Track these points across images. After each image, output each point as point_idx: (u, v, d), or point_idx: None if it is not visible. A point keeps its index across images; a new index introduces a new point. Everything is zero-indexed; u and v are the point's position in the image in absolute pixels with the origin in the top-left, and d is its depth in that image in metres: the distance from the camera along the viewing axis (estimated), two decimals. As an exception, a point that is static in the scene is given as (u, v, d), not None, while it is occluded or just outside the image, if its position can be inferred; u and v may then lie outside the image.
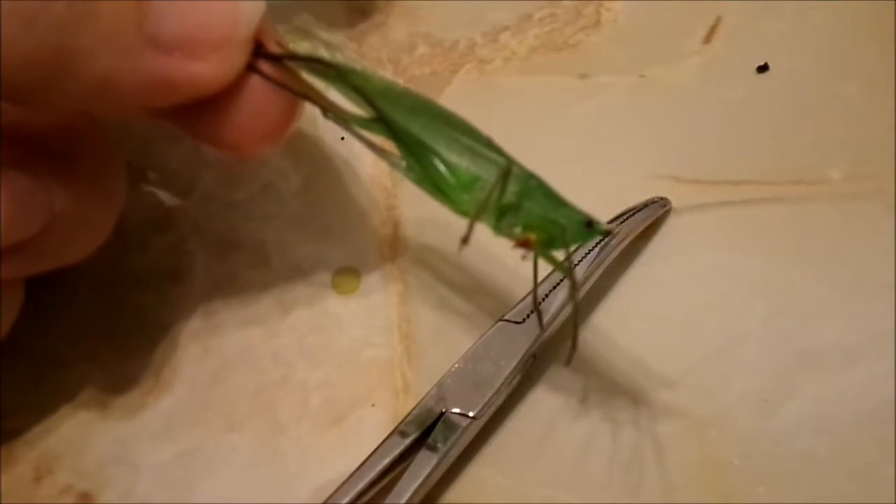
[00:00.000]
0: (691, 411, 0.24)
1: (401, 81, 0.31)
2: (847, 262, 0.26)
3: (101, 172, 0.22)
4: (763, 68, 0.30)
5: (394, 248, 0.27)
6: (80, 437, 0.25)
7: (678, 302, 0.26)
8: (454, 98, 0.30)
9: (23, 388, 0.25)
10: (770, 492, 0.23)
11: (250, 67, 0.20)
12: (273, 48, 0.21)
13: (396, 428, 0.23)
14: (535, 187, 0.20)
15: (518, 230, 0.20)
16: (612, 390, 0.24)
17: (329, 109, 0.21)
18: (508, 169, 0.20)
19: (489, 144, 0.21)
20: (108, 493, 0.24)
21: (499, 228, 0.20)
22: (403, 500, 0.22)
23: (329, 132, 0.29)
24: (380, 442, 0.23)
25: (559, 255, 0.21)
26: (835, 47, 0.30)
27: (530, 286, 0.25)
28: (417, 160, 0.21)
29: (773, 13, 0.31)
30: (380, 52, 0.32)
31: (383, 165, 0.29)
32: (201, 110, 0.20)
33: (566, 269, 0.21)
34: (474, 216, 0.20)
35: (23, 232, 0.20)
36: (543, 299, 0.24)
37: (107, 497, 0.24)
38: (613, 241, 0.25)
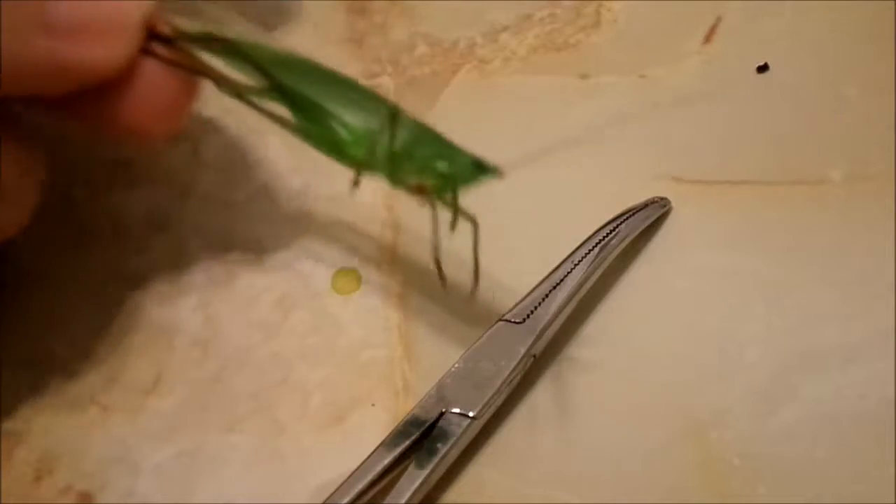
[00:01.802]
0: (691, 411, 0.24)
1: (401, 82, 0.31)
2: (847, 262, 0.26)
3: (18, 138, 0.22)
4: (763, 68, 0.30)
5: (394, 249, 0.27)
6: (80, 437, 0.25)
7: (678, 302, 0.26)
8: (454, 98, 0.30)
9: (23, 389, 0.25)
10: (770, 492, 0.23)
11: (144, 51, 0.21)
12: (164, 30, 0.21)
13: (396, 428, 0.23)
14: (424, 134, 0.21)
15: (412, 179, 0.21)
16: (612, 390, 0.24)
17: (223, 83, 0.22)
18: (396, 114, 0.21)
19: (377, 98, 0.22)
20: (108, 493, 0.24)
21: (394, 179, 0.21)
22: (403, 500, 0.22)
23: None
24: (380, 442, 0.23)
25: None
26: (835, 47, 0.30)
27: (530, 286, 0.25)
28: (313, 122, 0.22)
29: (773, 13, 0.31)
30: (380, 52, 0.32)
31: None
32: (100, 98, 0.21)
33: (462, 212, 0.22)
34: (363, 161, 0.21)
35: None
36: (544, 299, 0.24)
37: (107, 497, 0.24)
38: (613, 241, 0.25)
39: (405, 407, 0.24)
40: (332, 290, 0.27)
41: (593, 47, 0.31)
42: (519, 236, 0.27)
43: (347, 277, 0.27)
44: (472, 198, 0.21)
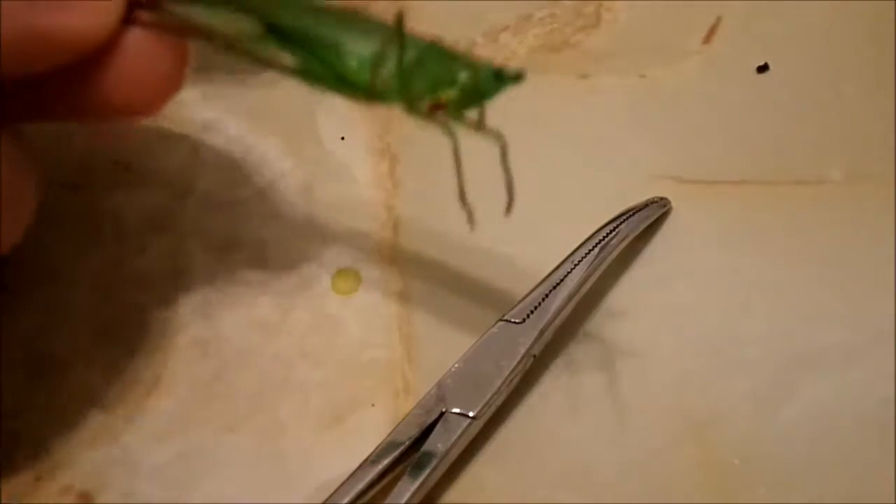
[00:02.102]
0: (691, 411, 0.24)
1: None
2: (847, 262, 0.26)
3: (11, 145, 0.20)
4: (763, 68, 0.30)
5: (394, 249, 0.27)
6: (80, 437, 0.25)
7: (678, 302, 0.26)
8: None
9: (23, 389, 0.25)
10: (770, 492, 0.23)
11: (129, 20, 0.20)
12: None
13: (396, 428, 0.23)
14: (434, 50, 0.20)
15: (427, 98, 0.20)
16: (612, 390, 0.24)
17: (214, 37, 0.21)
18: (400, 30, 0.20)
19: (378, 22, 0.21)
20: (108, 493, 0.24)
21: (408, 101, 0.20)
22: (403, 500, 0.22)
23: (329, 132, 0.29)
24: (380, 442, 0.23)
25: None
26: (835, 47, 0.30)
27: (530, 286, 0.25)
28: (313, 58, 0.20)
29: (773, 13, 0.31)
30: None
31: (384, 166, 0.29)
32: (88, 77, 0.20)
33: (487, 128, 0.20)
34: (371, 87, 0.20)
35: None
36: (544, 299, 0.24)
37: (107, 497, 0.24)
38: (613, 241, 0.25)
39: (405, 407, 0.24)
40: (332, 290, 0.27)
41: (593, 47, 0.31)
42: (519, 236, 0.27)
43: (347, 277, 0.27)
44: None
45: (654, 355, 0.25)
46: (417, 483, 0.22)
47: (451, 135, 0.20)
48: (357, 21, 0.21)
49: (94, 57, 0.19)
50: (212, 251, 0.27)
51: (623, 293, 0.26)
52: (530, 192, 0.27)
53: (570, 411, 0.24)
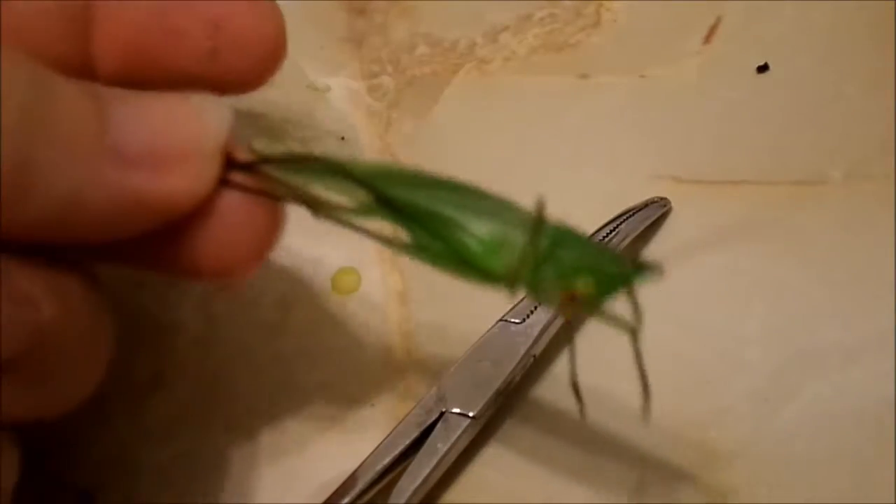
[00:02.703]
0: (691, 411, 0.24)
1: (401, 81, 0.31)
2: (847, 262, 0.26)
3: (91, 288, 0.19)
4: (763, 68, 0.30)
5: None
6: (80, 437, 0.25)
7: (678, 302, 0.26)
8: (454, 98, 0.30)
9: (23, 389, 0.25)
10: (770, 492, 0.23)
11: (223, 182, 0.18)
12: (243, 156, 0.19)
13: (396, 428, 0.23)
14: (566, 235, 0.18)
15: (559, 288, 0.18)
16: (612, 390, 0.24)
17: (319, 205, 0.19)
18: (540, 217, 0.18)
19: (503, 201, 0.19)
20: (108, 493, 0.24)
21: (537, 288, 0.18)
22: (403, 500, 0.22)
23: (330, 136, 0.29)
24: (380, 442, 0.23)
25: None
26: (835, 47, 0.30)
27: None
28: (431, 235, 0.18)
29: (773, 13, 0.31)
30: (380, 52, 0.32)
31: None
32: (179, 238, 0.18)
33: (627, 324, 0.19)
34: (501, 273, 0.18)
35: (9, 343, 0.17)
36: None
37: (107, 497, 0.24)
38: (614, 241, 0.25)
39: (405, 407, 0.24)
40: (333, 290, 0.27)
41: (593, 47, 0.31)
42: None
43: (347, 277, 0.27)
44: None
45: (654, 355, 0.25)
46: (417, 483, 0.22)
47: (573, 320, 0.19)
48: (478, 197, 0.19)
49: (186, 219, 0.18)
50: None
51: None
52: (530, 191, 0.27)
53: (569, 411, 0.24)
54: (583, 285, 0.18)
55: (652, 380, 0.25)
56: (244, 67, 0.20)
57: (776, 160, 0.28)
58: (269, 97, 0.30)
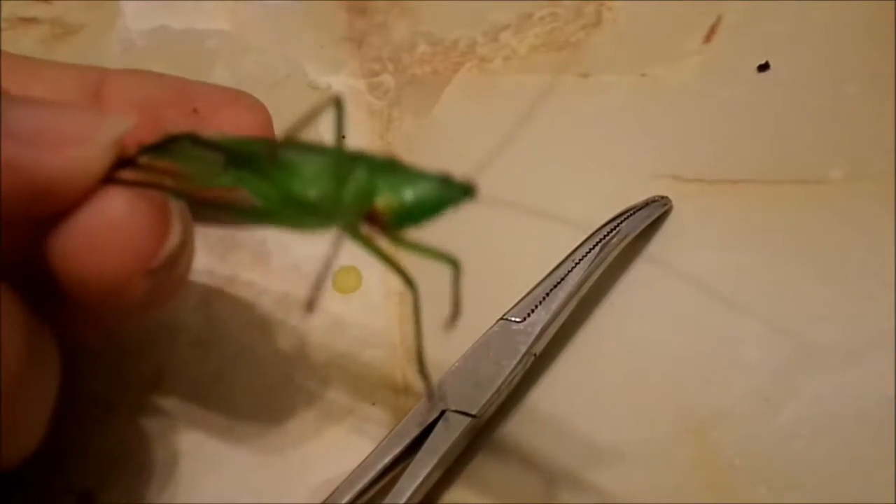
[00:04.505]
0: (691, 411, 0.24)
1: (401, 80, 0.31)
2: (847, 262, 0.26)
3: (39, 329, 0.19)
4: (763, 67, 0.30)
5: (394, 248, 0.27)
6: (80, 436, 0.25)
7: (678, 302, 0.26)
8: (455, 97, 0.30)
9: (23, 388, 0.25)
10: (770, 492, 0.23)
11: (110, 180, 0.19)
12: (130, 152, 0.20)
13: (396, 428, 0.23)
14: (388, 165, 0.19)
15: (359, 206, 0.18)
16: (612, 390, 0.24)
17: (189, 188, 0.20)
18: (340, 128, 0.19)
19: (341, 149, 0.19)
20: (108, 492, 0.24)
21: (341, 209, 0.19)
22: (403, 500, 0.22)
23: (329, 134, 0.29)
24: (380, 442, 0.23)
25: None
26: (835, 47, 0.30)
27: (530, 286, 0.25)
28: (269, 182, 0.19)
29: (774, 13, 0.31)
30: (380, 51, 0.32)
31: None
32: (65, 239, 0.19)
33: (445, 256, 0.20)
34: (317, 205, 0.19)
35: None
36: (544, 299, 0.24)
37: (107, 497, 0.24)
38: (614, 241, 0.25)
39: (405, 407, 0.24)
40: (333, 289, 0.27)
41: (594, 46, 0.31)
42: (519, 236, 0.27)
43: (348, 276, 0.27)
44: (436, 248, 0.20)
45: (655, 355, 0.25)
46: (417, 483, 0.22)
47: (387, 260, 0.19)
48: (321, 150, 0.20)
49: (74, 220, 0.19)
50: (212, 251, 0.27)
51: (623, 293, 0.26)
52: (530, 191, 0.27)
53: (570, 411, 0.24)
54: (382, 203, 0.18)
55: (652, 380, 0.25)
56: None
57: (776, 160, 0.28)
58: (270, 97, 0.30)
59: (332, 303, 0.26)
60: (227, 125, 0.21)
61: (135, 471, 0.24)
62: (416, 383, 0.25)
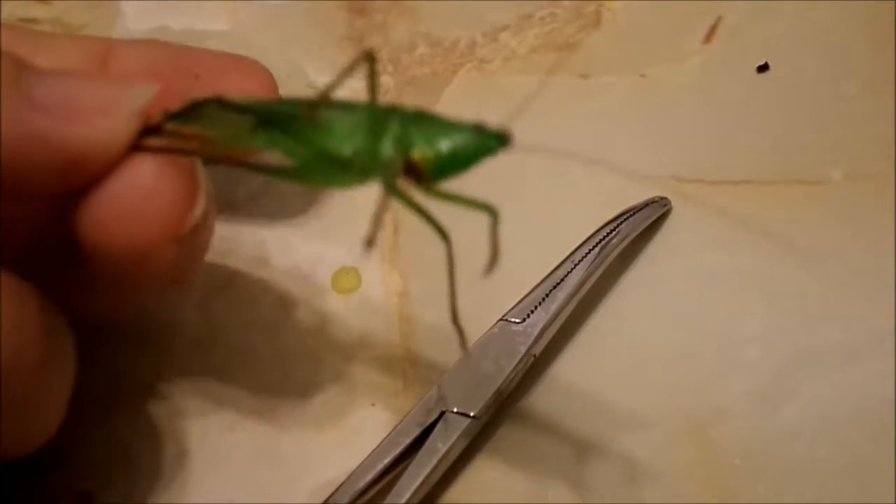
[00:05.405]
0: (691, 411, 0.24)
1: (401, 81, 0.31)
2: (847, 262, 0.26)
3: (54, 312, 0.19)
4: (763, 68, 0.30)
5: (394, 248, 0.27)
6: (80, 437, 0.25)
7: (678, 302, 0.26)
8: (454, 98, 0.30)
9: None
10: (770, 492, 0.23)
11: (138, 148, 0.19)
12: (155, 120, 0.20)
13: (396, 428, 0.23)
14: (421, 117, 0.19)
15: (396, 158, 0.19)
16: (612, 390, 0.24)
17: (217, 151, 0.21)
18: (374, 73, 0.19)
19: (373, 106, 0.19)
20: (108, 492, 0.24)
21: (378, 162, 0.19)
22: (403, 500, 0.22)
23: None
24: (380, 442, 0.23)
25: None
26: (835, 47, 0.30)
27: (530, 286, 0.25)
28: (302, 143, 0.20)
29: (773, 13, 0.31)
30: (380, 51, 0.32)
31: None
32: (93, 206, 0.19)
33: (483, 205, 0.19)
34: (353, 160, 0.19)
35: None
36: (544, 299, 0.24)
37: (107, 497, 0.24)
38: (614, 241, 0.25)
39: (405, 407, 0.24)
40: (333, 289, 0.27)
41: (593, 47, 0.31)
42: (519, 236, 0.26)
43: (348, 277, 0.27)
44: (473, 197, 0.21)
45: (655, 355, 0.25)
46: (417, 483, 0.22)
47: (434, 222, 0.19)
48: (351, 107, 0.20)
49: (100, 186, 0.19)
50: (212, 251, 0.27)
51: (623, 293, 0.26)
52: (530, 191, 0.27)
53: (570, 411, 0.24)
54: (419, 155, 0.18)
55: (652, 380, 0.25)
56: None
57: (776, 160, 0.28)
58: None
59: (332, 303, 0.26)
60: (232, 90, 0.21)
61: (134, 471, 0.24)
62: (416, 383, 0.25)
